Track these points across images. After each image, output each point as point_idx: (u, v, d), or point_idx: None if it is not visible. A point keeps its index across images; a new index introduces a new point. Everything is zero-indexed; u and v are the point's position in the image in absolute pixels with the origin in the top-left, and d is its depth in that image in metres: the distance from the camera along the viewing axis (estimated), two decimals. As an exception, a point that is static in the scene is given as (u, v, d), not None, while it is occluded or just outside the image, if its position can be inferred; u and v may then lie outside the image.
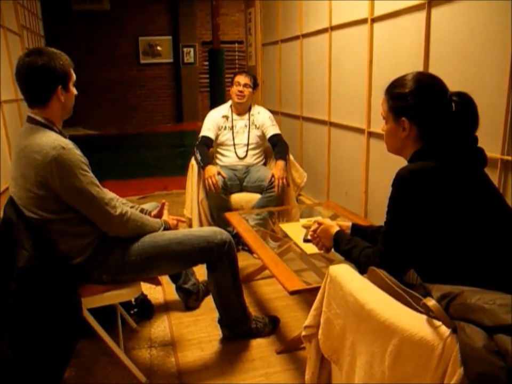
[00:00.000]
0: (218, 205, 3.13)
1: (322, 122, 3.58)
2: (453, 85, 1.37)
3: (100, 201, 1.69)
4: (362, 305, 1.14)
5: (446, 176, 1.26)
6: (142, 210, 2.11)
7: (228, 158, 3.38)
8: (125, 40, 8.62)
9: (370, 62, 2.84)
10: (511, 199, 1.90)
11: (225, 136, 3.37)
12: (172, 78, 8.98)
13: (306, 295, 2.27)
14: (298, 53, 3.93)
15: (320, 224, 1.71)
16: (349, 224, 1.74)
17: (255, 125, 3.38)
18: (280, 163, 3.15)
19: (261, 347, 2.12)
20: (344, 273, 1.30)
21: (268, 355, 2.06)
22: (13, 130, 3.33)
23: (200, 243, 1.91)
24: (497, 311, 0.95)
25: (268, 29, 4.70)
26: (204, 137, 3.32)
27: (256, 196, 3.18)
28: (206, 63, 8.11)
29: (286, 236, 2.36)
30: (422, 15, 2.33)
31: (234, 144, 3.36)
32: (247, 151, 3.36)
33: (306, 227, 2.21)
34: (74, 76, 1.77)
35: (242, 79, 3.32)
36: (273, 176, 3.09)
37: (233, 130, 3.37)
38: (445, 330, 0.97)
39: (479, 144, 1.35)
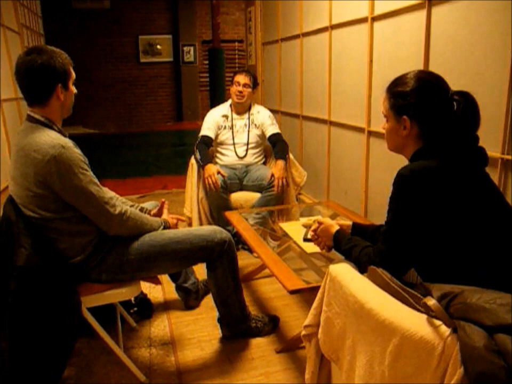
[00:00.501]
0: (218, 204, 3.13)
1: (322, 121, 3.58)
2: (453, 84, 1.37)
3: (99, 200, 1.69)
4: (362, 305, 1.14)
5: (447, 175, 1.26)
6: (141, 209, 2.11)
7: (227, 157, 3.37)
8: (125, 39, 8.63)
9: (371, 61, 2.84)
10: (511, 198, 1.90)
11: (225, 136, 3.37)
12: (171, 77, 8.98)
13: (306, 294, 2.27)
14: (298, 51, 3.93)
15: (320, 223, 1.71)
16: (350, 223, 1.73)
17: (255, 124, 3.38)
18: (280, 163, 3.15)
19: (260, 346, 2.12)
20: (344, 272, 1.30)
21: (267, 354, 2.06)
22: (13, 129, 3.33)
23: (199, 242, 1.91)
24: (498, 310, 0.95)
25: (268, 27, 4.69)
26: (203, 136, 3.32)
27: (256, 195, 3.18)
28: (206, 62, 8.11)
29: (285, 235, 2.36)
30: (422, 14, 2.34)
31: (234, 144, 3.36)
32: (246, 150, 3.36)
33: (306, 226, 2.21)
34: (74, 75, 1.76)
35: (242, 78, 3.32)
36: (272, 176, 3.09)
37: (233, 130, 3.36)
38: (445, 329, 0.97)
39: (480, 143, 1.35)
